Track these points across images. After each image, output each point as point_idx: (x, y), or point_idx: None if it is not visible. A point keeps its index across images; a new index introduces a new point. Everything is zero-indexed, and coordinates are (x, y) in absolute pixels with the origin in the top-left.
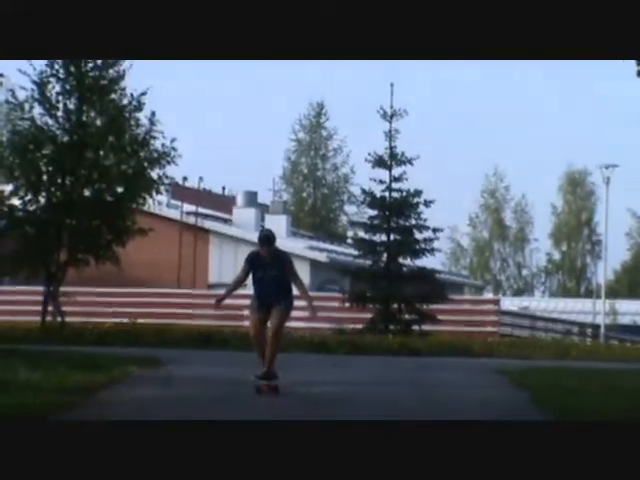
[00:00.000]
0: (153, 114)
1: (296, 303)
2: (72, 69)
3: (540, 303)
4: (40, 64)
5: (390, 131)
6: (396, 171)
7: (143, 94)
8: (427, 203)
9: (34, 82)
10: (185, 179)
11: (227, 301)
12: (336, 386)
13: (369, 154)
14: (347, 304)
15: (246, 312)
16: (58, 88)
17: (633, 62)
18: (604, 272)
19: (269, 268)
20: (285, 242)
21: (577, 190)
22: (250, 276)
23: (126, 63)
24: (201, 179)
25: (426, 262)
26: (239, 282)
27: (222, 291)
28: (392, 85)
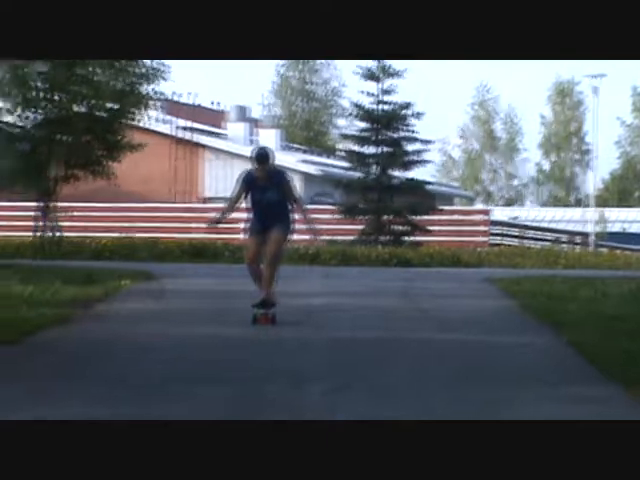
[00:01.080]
0: None
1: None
2: None
3: (530, 213)
4: None
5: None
6: (385, 84)
7: None
8: (417, 115)
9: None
10: (178, 95)
11: (210, 212)
12: (329, 297)
13: (358, 67)
14: (339, 216)
15: (240, 225)
16: None
17: None
18: (593, 181)
19: (266, 189)
20: (277, 155)
21: (566, 100)
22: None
23: None
24: (192, 94)
25: (416, 174)
26: (233, 204)
27: (215, 205)
28: None
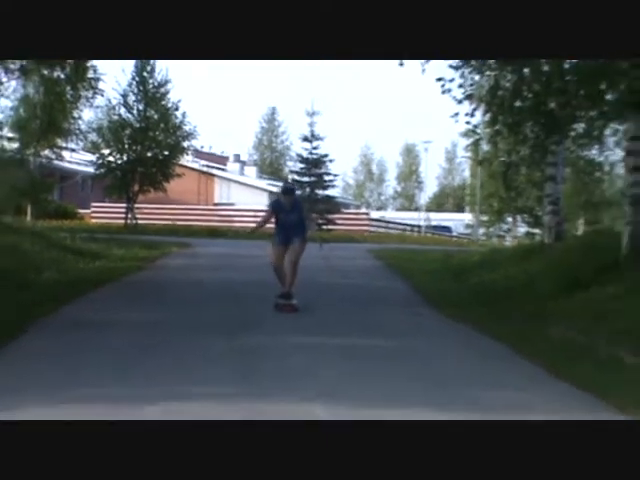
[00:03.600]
0: (184, 113)
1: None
2: (141, 88)
3: (391, 214)
4: (123, 84)
5: (311, 122)
6: (314, 143)
7: (179, 101)
8: (331, 160)
9: (121, 95)
10: (202, 147)
11: (223, 212)
12: (302, 259)
13: (300, 135)
14: None
15: (236, 219)
16: (133, 98)
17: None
18: (424, 198)
19: (289, 213)
20: (256, 181)
21: (410, 154)
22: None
23: (170, 84)
24: (210, 147)
25: (330, 192)
26: (265, 221)
27: (222, 207)
28: (312, 99)
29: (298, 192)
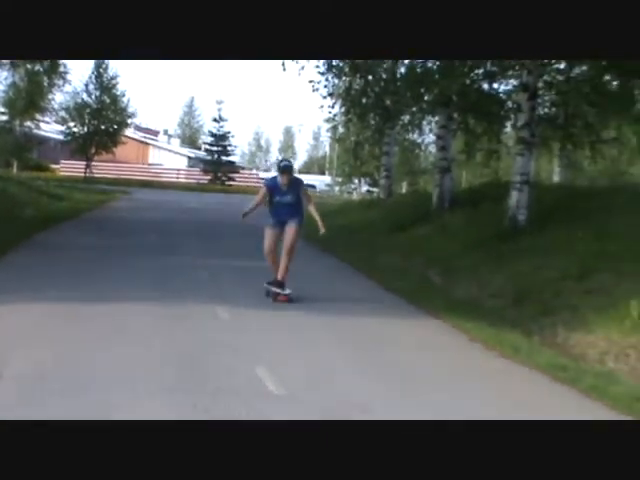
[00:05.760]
0: (129, 99)
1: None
2: (98, 80)
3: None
4: (85, 76)
5: (219, 109)
6: (221, 123)
7: (125, 90)
8: (232, 136)
9: (84, 84)
10: (140, 123)
11: (154, 170)
12: (201, 203)
13: (211, 116)
14: (203, 173)
15: (163, 175)
16: (92, 86)
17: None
18: (297, 164)
19: (286, 193)
20: (179, 149)
21: (288, 133)
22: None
23: (119, 78)
24: (147, 123)
25: (231, 158)
26: (259, 202)
27: (154, 166)
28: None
29: (210, 157)
